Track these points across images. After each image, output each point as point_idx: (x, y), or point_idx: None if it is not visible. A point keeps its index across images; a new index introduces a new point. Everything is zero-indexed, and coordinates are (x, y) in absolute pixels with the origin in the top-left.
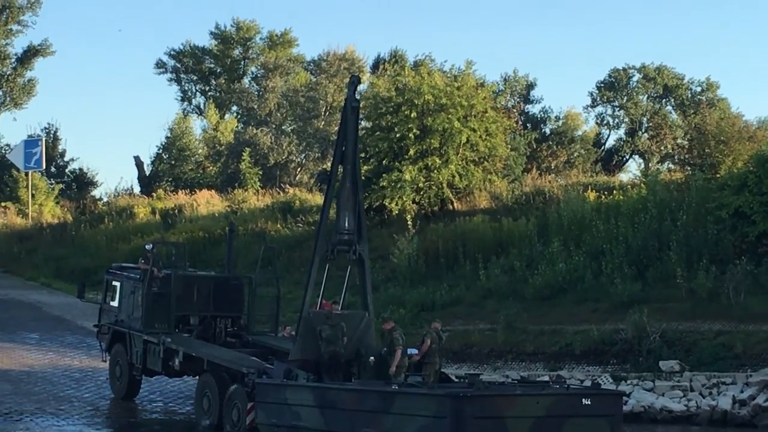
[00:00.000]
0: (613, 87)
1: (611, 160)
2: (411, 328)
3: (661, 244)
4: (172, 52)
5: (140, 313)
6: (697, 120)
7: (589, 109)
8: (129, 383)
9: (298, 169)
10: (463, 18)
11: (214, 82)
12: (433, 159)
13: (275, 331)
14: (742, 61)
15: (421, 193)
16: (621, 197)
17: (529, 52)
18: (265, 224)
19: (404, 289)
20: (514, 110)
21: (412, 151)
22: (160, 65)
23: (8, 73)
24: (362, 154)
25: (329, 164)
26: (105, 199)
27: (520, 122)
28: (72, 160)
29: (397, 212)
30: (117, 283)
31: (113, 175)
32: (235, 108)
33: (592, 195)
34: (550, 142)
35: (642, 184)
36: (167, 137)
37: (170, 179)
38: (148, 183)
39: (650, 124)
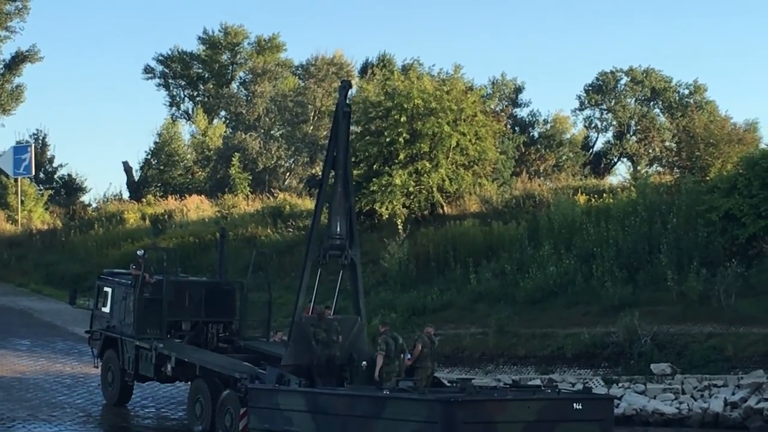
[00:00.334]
0: (601, 90)
1: (599, 164)
2: (402, 332)
3: (652, 247)
4: (161, 58)
5: (132, 319)
6: (685, 123)
7: (577, 112)
8: (121, 389)
9: (287, 174)
10: (451, 22)
11: (202, 87)
12: (423, 163)
13: (267, 337)
14: (730, 63)
15: (412, 197)
16: (611, 200)
17: (517, 55)
18: (256, 229)
19: (395, 294)
20: (503, 114)
21: (402, 156)
22: (148, 70)
23: None
24: (352, 159)
25: (318, 169)
26: (94, 205)
27: (509, 126)
28: (60, 166)
29: (387, 216)
30: (108, 289)
31: (102, 181)
32: (223, 113)
33: (582, 198)
34: (539, 146)
35: (632, 187)
36: (156, 143)
37: (159, 185)
38: (137, 188)
39: (638, 127)
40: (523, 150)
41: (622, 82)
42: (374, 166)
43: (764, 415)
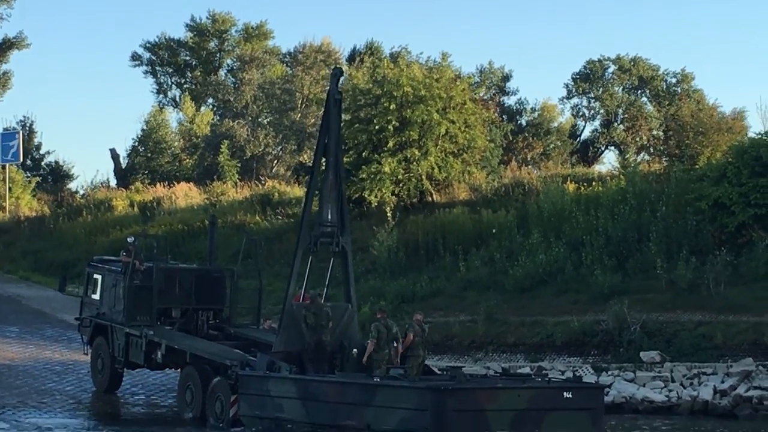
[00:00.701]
0: (588, 78)
1: (587, 152)
2: (392, 320)
3: (641, 235)
4: (148, 45)
5: (122, 306)
6: (673, 111)
7: (565, 100)
8: (111, 376)
9: (275, 162)
10: (438, 10)
11: (189, 74)
12: (413, 151)
13: (257, 324)
14: (717, 52)
15: (401, 185)
16: (600, 189)
17: (505, 43)
18: (244, 217)
19: (384, 281)
20: (492, 102)
21: (391, 143)
22: (135, 58)
23: None
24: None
25: (306, 156)
26: (82, 192)
27: (497, 114)
28: (48, 153)
29: (376, 204)
30: (98, 276)
31: (89, 168)
32: (211, 100)
33: (571, 186)
34: (526, 134)
35: (621, 176)
36: (143, 130)
37: (146, 172)
38: (124, 176)
39: (626, 115)
40: (511, 138)
41: (610, 70)
42: (363, 154)
43: (753, 403)
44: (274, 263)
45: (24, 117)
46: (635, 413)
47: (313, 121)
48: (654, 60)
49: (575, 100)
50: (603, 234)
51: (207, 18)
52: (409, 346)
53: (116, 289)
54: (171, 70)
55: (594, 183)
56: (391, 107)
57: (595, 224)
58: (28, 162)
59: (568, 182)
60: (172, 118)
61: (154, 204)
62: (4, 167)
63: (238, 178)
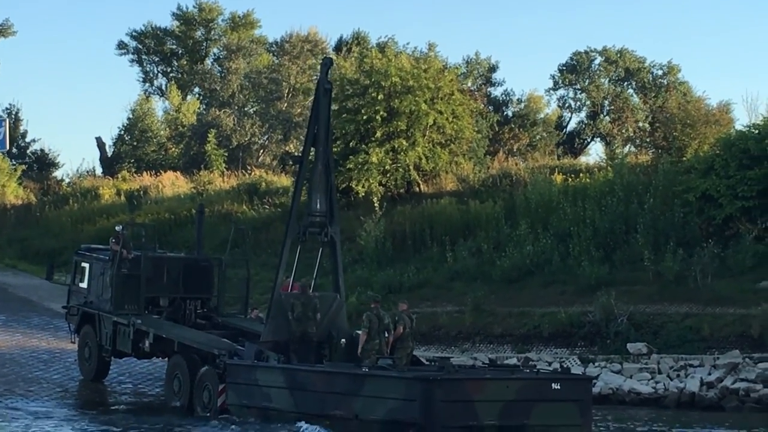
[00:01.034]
0: (574, 70)
1: (573, 143)
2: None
3: (628, 226)
4: (134, 33)
5: (110, 295)
6: (660, 102)
7: (551, 92)
8: (98, 365)
9: (261, 151)
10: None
11: (176, 63)
12: (400, 141)
13: (245, 313)
14: (703, 44)
15: (388, 175)
16: (588, 180)
17: (491, 34)
18: (231, 206)
19: (371, 272)
20: (479, 93)
21: (378, 134)
22: (121, 46)
23: None
24: None
25: (292, 146)
26: (68, 180)
27: (484, 104)
28: (33, 140)
29: (363, 194)
30: (86, 265)
31: (75, 156)
32: (197, 89)
33: (558, 178)
34: (512, 125)
35: (608, 167)
36: (129, 118)
37: (132, 161)
38: (110, 164)
39: (612, 107)
40: (497, 129)
41: (596, 62)
42: (351, 144)
43: (740, 396)
44: (261, 253)
45: (10, 105)
46: (622, 405)
47: (299, 110)
48: (640, 52)
49: (561, 92)
50: (590, 225)
51: (194, 7)
52: (398, 337)
53: (104, 278)
54: (157, 59)
55: (581, 174)
56: (379, 97)
57: (582, 216)
58: (14, 150)
59: (556, 173)
60: (158, 106)
61: (141, 193)
62: None
63: (225, 168)
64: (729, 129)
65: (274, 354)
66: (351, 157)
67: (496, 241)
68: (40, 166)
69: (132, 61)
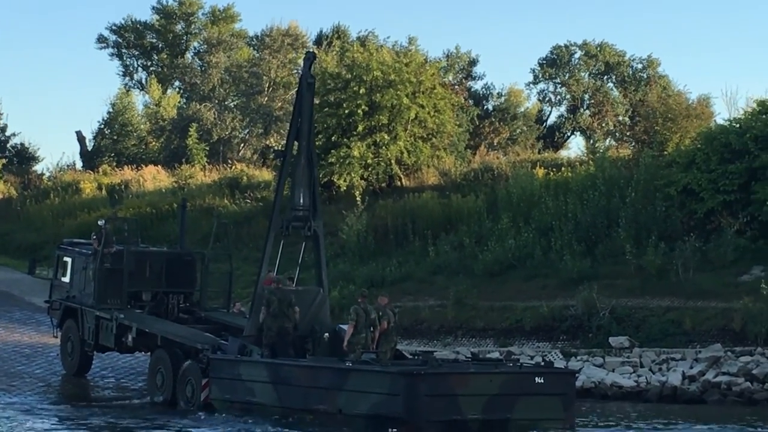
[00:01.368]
0: (554, 64)
1: (553, 137)
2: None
3: (610, 220)
4: (114, 27)
5: (92, 289)
6: (640, 96)
7: (531, 85)
8: (81, 359)
9: (242, 145)
10: None
11: (156, 57)
12: (382, 135)
13: (228, 307)
14: (683, 38)
15: (370, 169)
16: (569, 174)
17: (472, 28)
18: (213, 200)
19: (353, 266)
20: (459, 87)
21: (360, 128)
22: (101, 40)
23: None
24: None
25: (273, 140)
26: (48, 175)
27: (465, 98)
28: (13, 134)
29: (345, 188)
30: (68, 259)
31: (55, 150)
32: (177, 83)
33: (540, 172)
34: (493, 119)
35: (590, 161)
36: (109, 112)
37: (113, 155)
38: (90, 158)
39: (592, 101)
40: (477, 123)
41: (576, 55)
42: (332, 138)
43: (722, 389)
44: (243, 247)
45: None
46: (604, 398)
47: (280, 104)
48: (620, 46)
49: (542, 86)
50: (572, 219)
51: (174, 0)
52: (383, 332)
53: (86, 272)
54: (137, 53)
55: (563, 168)
56: (361, 91)
57: (564, 210)
58: None
59: (538, 167)
60: (139, 100)
61: (122, 187)
62: None
63: (206, 162)
64: (710, 123)
65: (257, 348)
66: (333, 151)
67: (478, 235)
68: (20, 160)
69: (112, 54)
